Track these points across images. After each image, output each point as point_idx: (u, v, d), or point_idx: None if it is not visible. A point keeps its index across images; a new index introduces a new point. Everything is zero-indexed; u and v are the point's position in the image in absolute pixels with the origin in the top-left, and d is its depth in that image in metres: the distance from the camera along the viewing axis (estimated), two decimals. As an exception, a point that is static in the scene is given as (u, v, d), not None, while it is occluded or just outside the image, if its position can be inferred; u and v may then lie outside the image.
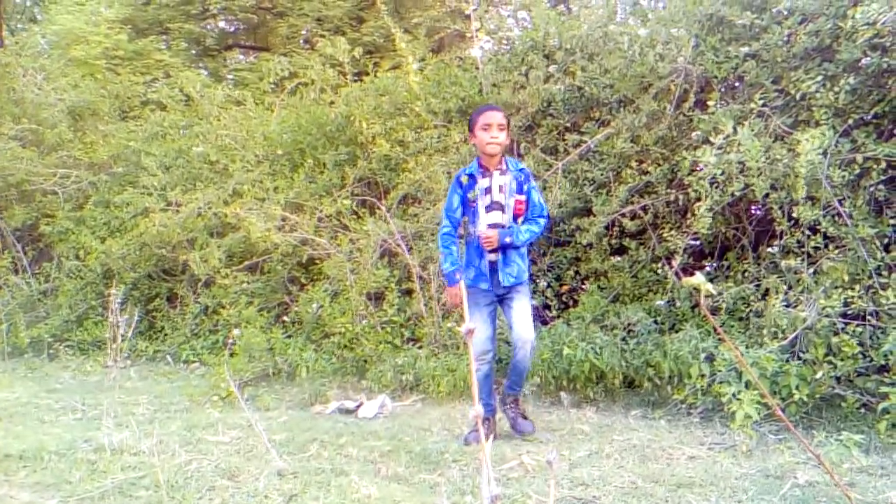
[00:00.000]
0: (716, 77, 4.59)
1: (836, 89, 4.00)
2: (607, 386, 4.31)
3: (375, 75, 6.72)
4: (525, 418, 3.72)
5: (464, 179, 3.60)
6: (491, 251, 3.55)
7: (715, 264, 4.78)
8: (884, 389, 3.33)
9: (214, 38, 12.93)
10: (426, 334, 5.04)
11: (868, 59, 4.01)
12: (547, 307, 5.10)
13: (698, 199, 4.24)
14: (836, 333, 3.67)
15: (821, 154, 3.83)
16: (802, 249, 4.04)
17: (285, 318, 5.96)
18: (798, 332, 3.72)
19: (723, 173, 4.13)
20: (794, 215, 3.97)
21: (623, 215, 4.89)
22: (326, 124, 6.64)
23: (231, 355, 5.23)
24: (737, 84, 4.76)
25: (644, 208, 4.90)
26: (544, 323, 4.96)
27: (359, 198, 6.14)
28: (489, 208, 3.56)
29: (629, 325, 4.52)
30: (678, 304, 4.61)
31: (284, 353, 5.29)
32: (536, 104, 5.51)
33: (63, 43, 10.52)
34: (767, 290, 4.10)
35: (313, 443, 3.66)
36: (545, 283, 5.18)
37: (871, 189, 3.96)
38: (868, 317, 3.70)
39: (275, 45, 12.24)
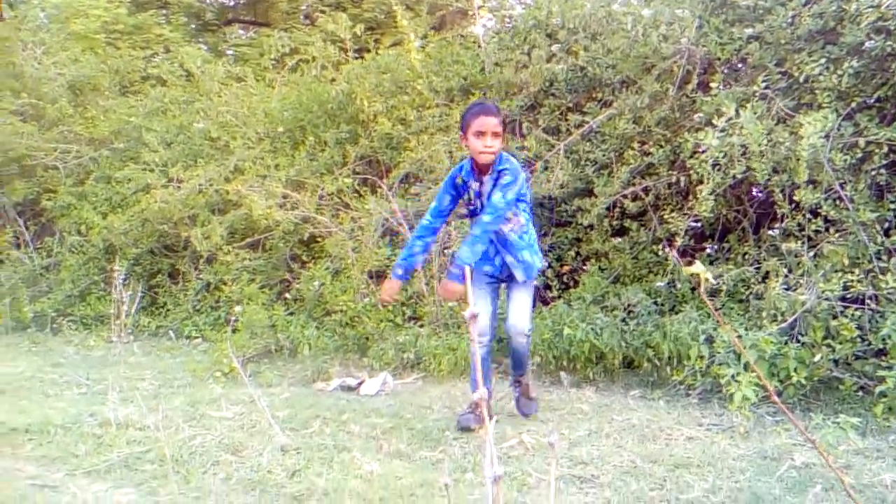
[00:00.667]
0: (719, 59, 4.58)
1: (840, 72, 3.99)
2: (607, 366, 4.35)
3: (377, 52, 6.68)
4: (529, 398, 3.67)
5: (458, 181, 3.46)
6: (496, 252, 3.45)
7: (716, 246, 4.80)
8: (881, 373, 3.36)
9: (214, 12, 12.83)
10: (427, 313, 5.08)
11: (872, 42, 3.99)
12: (548, 287, 5.13)
13: (700, 182, 4.25)
14: (835, 317, 3.70)
15: (823, 137, 3.82)
16: (803, 233, 4.06)
17: (287, 295, 5.98)
18: (797, 315, 3.75)
19: (725, 156, 4.13)
20: (796, 198, 3.97)
21: (624, 196, 4.90)
22: (328, 102, 6.62)
23: (233, 331, 5.27)
24: (740, 66, 4.74)
25: (645, 190, 4.91)
26: (545, 303, 4.99)
27: (360, 176, 6.14)
28: (478, 212, 3.43)
29: (629, 306, 4.55)
30: (678, 285, 4.64)
31: (286, 330, 5.32)
32: (539, 84, 5.50)
33: (62, 17, 10.41)
34: (767, 272, 4.12)
35: (316, 419, 3.71)
36: (546, 264, 5.20)
37: (873, 173, 3.96)
38: (867, 300, 3.73)
39: (275, 21, 12.13)
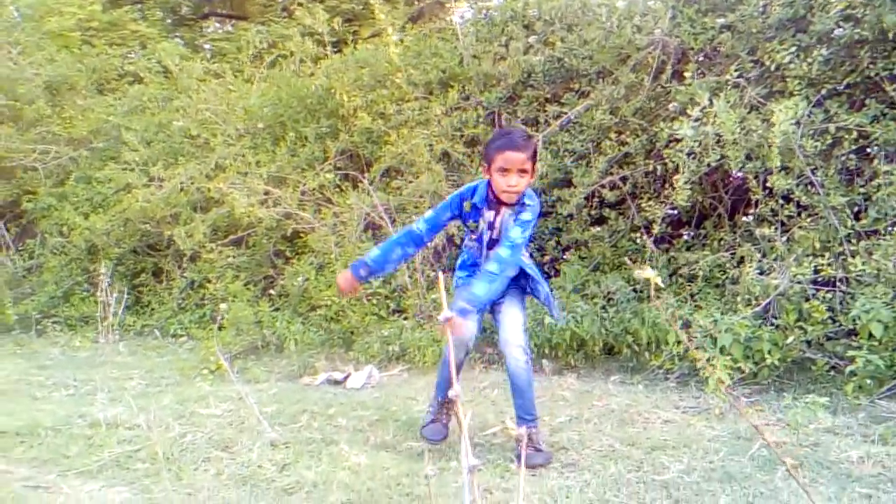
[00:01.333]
0: (692, 48, 4.66)
1: (810, 60, 4.08)
2: (587, 353, 4.44)
3: (355, 46, 6.70)
4: (537, 450, 2.97)
5: (466, 206, 3.03)
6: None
7: (692, 233, 4.90)
8: (851, 353, 3.47)
9: (190, 6, 12.73)
10: (411, 305, 5.14)
11: (841, 30, 4.09)
12: (529, 277, 5.19)
13: (676, 170, 4.33)
14: (807, 299, 3.81)
15: (794, 124, 3.92)
16: (776, 218, 4.16)
17: (272, 291, 6.02)
18: (771, 299, 3.86)
19: (699, 144, 4.21)
20: (769, 184, 4.07)
21: (603, 186, 4.98)
22: (307, 97, 6.63)
23: (219, 329, 5.30)
24: (713, 55, 4.82)
25: (623, 179, 4.99)
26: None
27: (341, 171, 6.17)
28: (490, 244, 3.03)
29: (609, 293, 4.64)
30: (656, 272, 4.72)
31: (272, 326, 5.37)
32: (517, 75, 5.56)
33: (36, 15, 10.31)
34: (742, 258, 4.22)
35: (304, 414, 3.77)
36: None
37: (843, 158, 4.07)
38: (838, 283, 3.84)
39: (252, 14, 12.07)
